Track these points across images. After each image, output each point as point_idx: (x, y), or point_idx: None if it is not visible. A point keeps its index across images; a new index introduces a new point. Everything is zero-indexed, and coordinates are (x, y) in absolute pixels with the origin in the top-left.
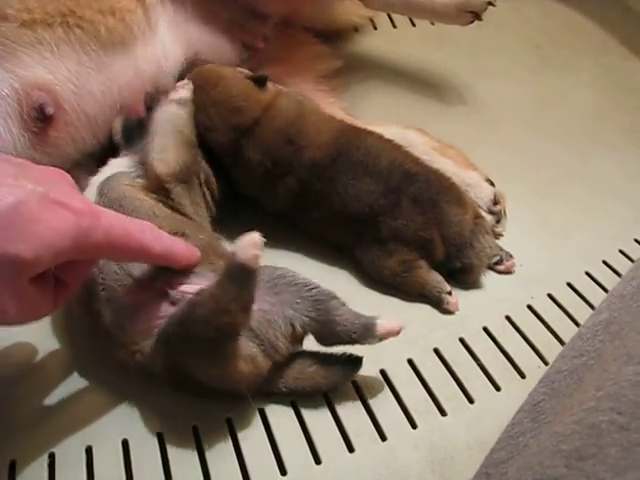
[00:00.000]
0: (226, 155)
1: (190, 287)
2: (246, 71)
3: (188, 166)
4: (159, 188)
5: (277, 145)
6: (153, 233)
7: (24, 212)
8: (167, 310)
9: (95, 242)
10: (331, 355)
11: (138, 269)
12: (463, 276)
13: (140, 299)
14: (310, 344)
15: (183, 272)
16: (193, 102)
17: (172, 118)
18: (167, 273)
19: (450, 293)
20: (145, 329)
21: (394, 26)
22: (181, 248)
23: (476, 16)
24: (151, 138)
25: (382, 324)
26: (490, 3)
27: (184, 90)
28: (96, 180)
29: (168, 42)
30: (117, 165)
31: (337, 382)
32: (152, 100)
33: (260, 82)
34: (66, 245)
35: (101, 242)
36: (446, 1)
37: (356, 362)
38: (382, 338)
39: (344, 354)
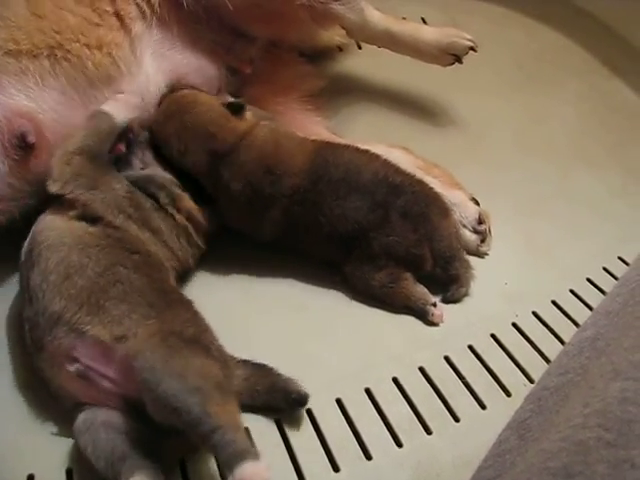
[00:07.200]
0: (205, 178)
1: None
2: (228, 97)
3: (81, 172)
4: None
5: (256, 175)
6: None
7: None
8: None
9: None
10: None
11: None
12: (452, 288)
13: None
14: None
15: None
16: (164, 129)
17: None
18: None
19: (435, 305)
20: None
21: (378, 46)
22: None
23: (457, 59)
24: None
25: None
26: (472, 48)
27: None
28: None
29: (152, 72)
30: None
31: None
32: (134, 137)
33: (236, 110)
34: None
35: None
36: (429, 41)
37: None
38: None
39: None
